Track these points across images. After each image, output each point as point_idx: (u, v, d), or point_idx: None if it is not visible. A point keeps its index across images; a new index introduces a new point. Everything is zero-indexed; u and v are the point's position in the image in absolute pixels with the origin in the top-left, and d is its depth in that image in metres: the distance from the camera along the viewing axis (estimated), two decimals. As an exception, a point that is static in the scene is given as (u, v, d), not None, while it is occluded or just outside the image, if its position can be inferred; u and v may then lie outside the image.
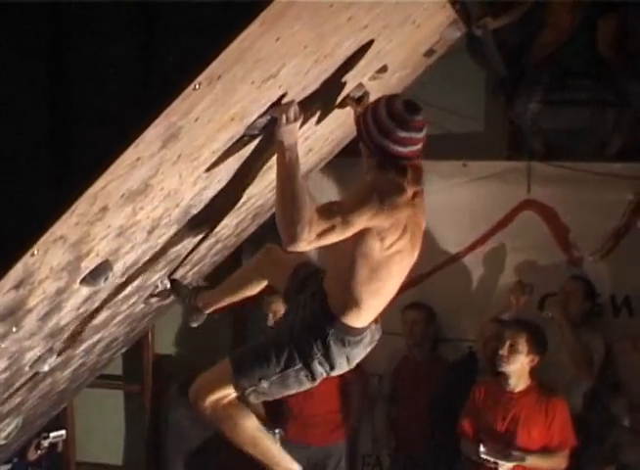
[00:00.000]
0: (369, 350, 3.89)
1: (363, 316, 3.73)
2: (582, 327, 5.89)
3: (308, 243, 3.35)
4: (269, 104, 3.41)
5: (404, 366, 6.45)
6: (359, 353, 3.85)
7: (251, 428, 3.94)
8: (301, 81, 3.54)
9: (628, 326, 6.08)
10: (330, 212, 3.41)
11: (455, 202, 6.40)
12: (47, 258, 2.91)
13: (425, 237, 6.20)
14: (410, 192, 3.60)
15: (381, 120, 3.52)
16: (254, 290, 4.40)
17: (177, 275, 4.93)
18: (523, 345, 5.36)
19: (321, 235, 3.37)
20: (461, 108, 6.63)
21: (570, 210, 6.31)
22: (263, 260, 4.28)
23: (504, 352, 5.37)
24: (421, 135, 3.58)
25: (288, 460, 4.02)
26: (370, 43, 3.80)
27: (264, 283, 4.34)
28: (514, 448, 5.28)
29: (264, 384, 3.79)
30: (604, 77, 6.36)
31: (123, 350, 6.45)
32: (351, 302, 3.66)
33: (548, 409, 5.38)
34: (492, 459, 5.26)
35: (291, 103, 3.47)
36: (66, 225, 2.78)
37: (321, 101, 4.03)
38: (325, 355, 3.73)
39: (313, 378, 3.80)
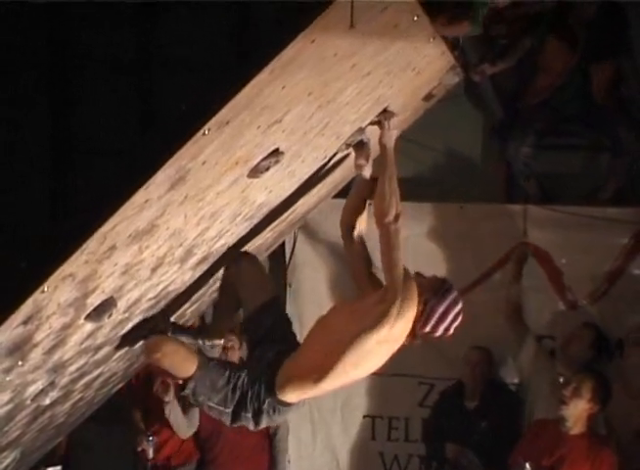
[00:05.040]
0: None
1: (304, 397, 4.14)
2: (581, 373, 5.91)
3: (394, 218, 3.94)
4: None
5: None
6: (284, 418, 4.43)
7: None
8: (304, 126, 3.64)
9: (621, 370, 6.12)
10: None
11: (452, 244, 6.47)
12: (56, 294, 2.99)
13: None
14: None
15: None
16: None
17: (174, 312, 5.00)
18: (587, 391, 5.42)
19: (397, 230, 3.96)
20: (458, 151, 6.73)
21: (564, 253, 6.37)
22: (249, 266, 4.44)
23: (567, 392, 5.43)
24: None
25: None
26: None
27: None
28: None
29: (200, 399, 4.12)
30: (598, 123, 6.46)
31: (120, 385, 6.48)
32: (303, 385, 4.04)
33: (595, 461, 5.42)
34: None
35: (392, 114, 4.24)
36: (76, 263, 2.86)
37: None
38: (255, 415, 4.11)
39: (233, 422, 4.17)
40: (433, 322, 4.00)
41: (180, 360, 4.16)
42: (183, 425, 6.43)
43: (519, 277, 6.23)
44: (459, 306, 4.08)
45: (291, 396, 4.07)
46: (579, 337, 6.09)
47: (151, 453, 6.43)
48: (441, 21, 4.41)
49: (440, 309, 4.00)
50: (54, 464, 6.49)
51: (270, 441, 6.63)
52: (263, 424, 4.19)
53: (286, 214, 5.02)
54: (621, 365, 6.12)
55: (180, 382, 4.25)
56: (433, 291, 4.03)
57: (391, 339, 3.93)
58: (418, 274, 4.11)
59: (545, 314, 6.42)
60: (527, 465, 5.34)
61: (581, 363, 5.92)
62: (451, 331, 4.07)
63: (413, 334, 3.99)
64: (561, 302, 6.39)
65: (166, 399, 6.24)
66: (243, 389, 4.08)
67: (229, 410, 4.12)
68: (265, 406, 4.08)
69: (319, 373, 3.96)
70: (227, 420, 4.18)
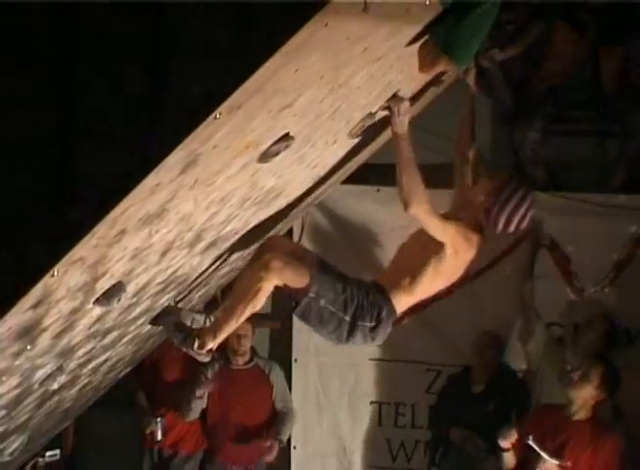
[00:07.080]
0: None
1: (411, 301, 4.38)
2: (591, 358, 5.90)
3: (419, 206, 4.10)
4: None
5: None
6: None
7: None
8: (315, 110, 3.62)
9: (628, 356, 6.12)
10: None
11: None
12: (65, 278, 2.98)
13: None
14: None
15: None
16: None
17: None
18: (595, 377, 5.44)
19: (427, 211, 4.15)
20: (467, 137, 6.69)
21: (573, 240, 6.38)
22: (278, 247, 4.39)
23: (575, 376, 5.46)
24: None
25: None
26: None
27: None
28: None
29: (322, 302, 4.12)
30: (607, 109, 6.44)
31: (127, 370, 6.49)
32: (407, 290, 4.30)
33: (597, 446, 5.43)
34: (538, 449, 5.33)
35: (402, 99, 4.20)
36: (86, 247, 2.85)
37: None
38: (373, 327, 4.23)
39: (350, 335, 4.21)
40: (502, 222, 4.36)
41: (298, 268, 4.16)
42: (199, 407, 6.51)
43: (532, 263, 6.24)
44: (527, 202, 4.35)
45: (399, 299, 4.29)
46: (592, 327, 6.08)
47: (159, 435, 6.46)
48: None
49: (508, 209, 4.32)
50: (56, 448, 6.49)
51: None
52: (379, 338, 4.30)
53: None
54: (628, 352, 6.13)
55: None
56: (499, 191, 4.36)
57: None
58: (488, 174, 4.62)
59: (553, 302, 6.41)
60: (531, 437, 5.34)
61: (591, 352, 5.92)
62: (524, 224, 4.39)
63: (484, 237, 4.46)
64: (568, 289, 6.40)
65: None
66: (358, 298, 4.18)
67: (348, 318, 4.16)
68: (384, 314, 4.22)
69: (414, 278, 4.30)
70: (343, 333, 4.22)
